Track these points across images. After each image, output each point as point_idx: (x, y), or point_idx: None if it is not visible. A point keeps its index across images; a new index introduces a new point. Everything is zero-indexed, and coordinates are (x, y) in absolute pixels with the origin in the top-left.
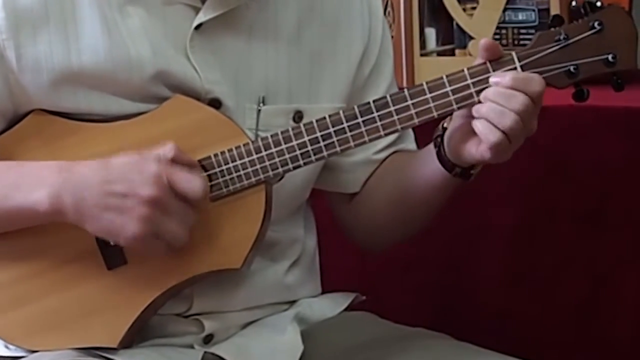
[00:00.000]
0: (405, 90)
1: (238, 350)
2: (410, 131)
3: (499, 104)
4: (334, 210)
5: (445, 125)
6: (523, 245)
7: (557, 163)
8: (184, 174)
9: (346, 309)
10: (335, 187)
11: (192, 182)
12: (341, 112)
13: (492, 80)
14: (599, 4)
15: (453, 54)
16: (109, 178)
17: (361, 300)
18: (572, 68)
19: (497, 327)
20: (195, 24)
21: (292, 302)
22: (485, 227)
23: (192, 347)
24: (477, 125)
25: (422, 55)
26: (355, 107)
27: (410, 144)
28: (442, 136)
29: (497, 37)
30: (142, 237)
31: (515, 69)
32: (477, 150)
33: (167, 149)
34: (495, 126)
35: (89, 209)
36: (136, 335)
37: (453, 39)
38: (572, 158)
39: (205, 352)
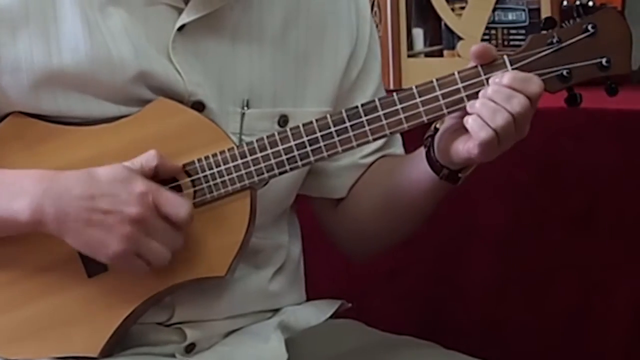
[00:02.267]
0: (395, 94)
1: None
2: (399, 136)
3: (494, 102)
4: (319, 217)
5: (437, 126)
6: (512, 250)
7: (548, 166)
8: (171, 196)
9: (331, 317)
10: (321, 192)
11: (178, 206)
12: (328, 116)
13: (490, 81)
14: (590, 3)
15: (441, 55)
16: (94, 193)
17: (347, 307)
18: (564, 72)
19: (486, 335)
20: (177, 25)
21: (276, 310)
22: (474, 232)
23: (173, 356)
24: (469, 120)
25: (409, 56)
26: (343, 111)
27: (398, 148)
28: (433, 137)
29: (487, 37)
30: (123, 255)
31: (507, 72)
32: (465, 146)
33: (150, 157)
34: (487, 123)
35: (71, 223)
36: (117, 345)
37: (441, 39)
38: (563, 161)
39: None
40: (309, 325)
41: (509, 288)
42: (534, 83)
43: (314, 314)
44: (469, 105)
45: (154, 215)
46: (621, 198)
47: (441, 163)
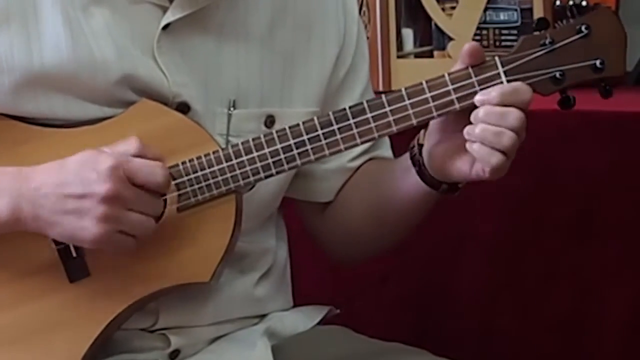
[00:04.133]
0: (383, 96)
1: None
2: (386, 137)
3: (493, 125)
4: (306, 221)
5: (420, 141)
6: (505, 256)
7: (541, 170)
8: (143, 163)
9: (319, 323)
10: (307, 195)
11: (152, 170)
12: (315, 118)
13: (477, 99)
14: (584, 3)
15: (431, 56)
16: (64, 180)
17: (335, 313)
18: (557, 74)
19: (477, 342)
20: (162, 24)
21: (263, 316)
22: (466, 238)
23: None
24: (474, 148)
25: (399, 57)
26: (331, 114)
27: (385, 151)
28: (420, 154)
29: (478, 37)
30: (105, 236)
31: (498, 74)
32: (473, 170)
33: (130, 144)
34: (494, 148)
35: (48, 216)
36: (99, 351)
37: (431, 40)
38: (557, 165)
39: None
40: (296, 331)
41: (501, 295)
42: (523, 92)
43: (301, 320)
44: (467, 133)
45: (128, 187)
46: (617, 203)
47: (439, 179)
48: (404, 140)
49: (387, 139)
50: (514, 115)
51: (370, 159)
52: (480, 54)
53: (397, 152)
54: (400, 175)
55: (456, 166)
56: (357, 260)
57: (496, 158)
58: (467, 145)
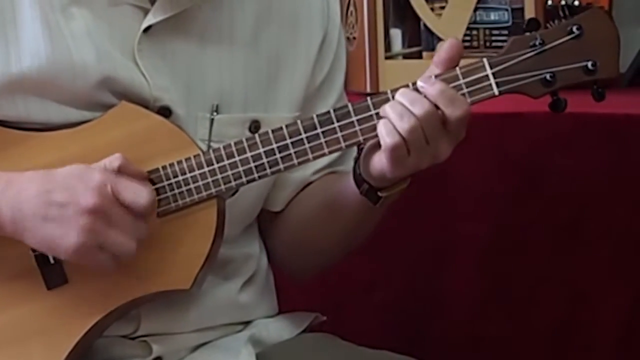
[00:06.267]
0: (369, 99)
1: None
2: (353, 151)
3: (402, 104)
4: (260, 231)
5: None
6: (495, 262)
7: (531, 174)
8: (130, 183)
9: (305, 330)
10: None
11: (138, 192)
12: (299, 122)
13: (418, 82)
14: (576, 3)
15: (420, 57)
16: (49, 187)
17: (321, 320)
18: (548, 76)
19: (467, 350)
20: (143, 26)
21: (247, 323)
22: (454, 243)
23: None
24: (379, 125)
25: (387, 58)
26: (315, 117)
27: (349, 166)
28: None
29: (468, 38)
30: (84, 249)
31: (486, 76)
32: (379, 157)
33: (112, 158)
34: (395, 127)
35: (28, 221)
36: (79, 359)
37: (420, 40)
38: (548, 169)
39: None
40: (281, 339)
41: (491, 301)
42: (458, 105)
43: (286, 327)
44: (381, 109)
45: (114, 205)
46: (609, 208)
47: (363, 177)
48: None
49: (353, 153)
50: (423, 105)
51: (333, 172)
52: (454, 60)
53: None
54: (345, 179)
55: (373, 156)
56: (308, 271)
57: (391, 139)
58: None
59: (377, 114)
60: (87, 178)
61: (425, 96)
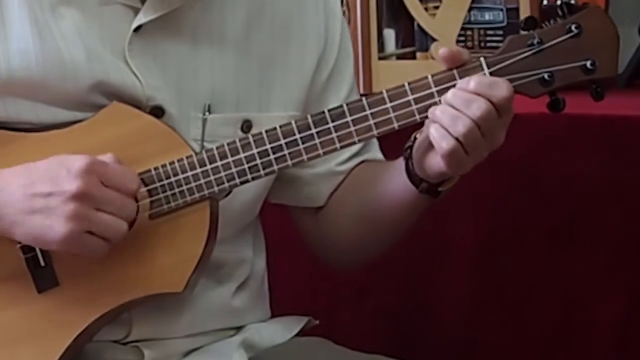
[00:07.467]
0: (364, 99)
1: None
2: (375, 139)
3: (454, 108)
4: (298, 227)
5: (417, 135)
6: (489, 266)
7: (528, 175)
8: (118, 168)
9: (298, 334)
10: (297, 201)
11: (124, 175)
12: (293, 122)
13: (458, 86)
14: (573, 1)
15: (414, 58)
16: (32, 179)
17: (314, 324)
18: (546, 75)
19: (461, 355)
20: (134, 25)
21: (240, 328)
22: (448, 246)
23: None
24: (431, 130)
25: (380, 58)
26: (309, 117)
27: (376, 152)
28: (412, 148)
29: (462, 38)
30: (73, 236)
31: (484, 76)
32: (435, 159)
33: (104, 157)
34: (448, 132)
35: (14, 216)
36: None
37: (414, 41)
38: (544, 170)
39: None
40: (274, 343)
41: (485, 305)
42: (500, 86)
43: (279, 331)
44: (430, 112)
45: (99, 186)
46: (605, 209)
47: (420, 176)
48: (395, 144)
49: (375, 141)
50: (478, 105)
51: (362, 162)
52: (457, 56)
53: (388, 156)
54: (391, 176)
55: (429, 156)
56: (352, 266)
57: (447, 143)
58: (426, 126)
59: (372, 114)
60: (69, 165)
61: (477, 94)
